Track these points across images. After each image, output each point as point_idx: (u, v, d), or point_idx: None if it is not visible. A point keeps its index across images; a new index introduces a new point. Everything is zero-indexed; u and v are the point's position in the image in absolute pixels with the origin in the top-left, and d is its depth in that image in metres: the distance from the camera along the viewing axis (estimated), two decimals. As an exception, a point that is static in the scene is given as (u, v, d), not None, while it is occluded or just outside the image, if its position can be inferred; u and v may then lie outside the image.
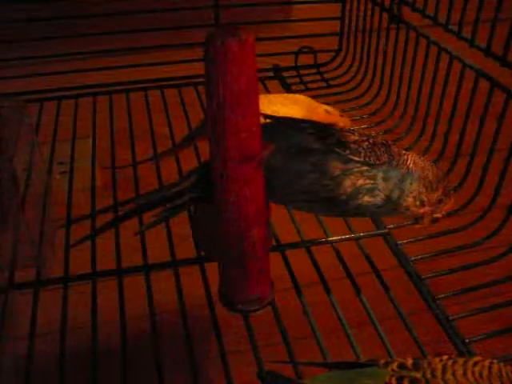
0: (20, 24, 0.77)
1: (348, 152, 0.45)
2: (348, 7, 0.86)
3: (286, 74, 0.87)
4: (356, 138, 0.46)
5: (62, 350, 0.46)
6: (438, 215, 0.48)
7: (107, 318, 0.54)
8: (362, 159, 0.45)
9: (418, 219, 0.49)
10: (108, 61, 0.81)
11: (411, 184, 0.47)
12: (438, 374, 0.35)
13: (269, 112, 0.59)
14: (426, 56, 0.66)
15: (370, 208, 0.47)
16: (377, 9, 0.77)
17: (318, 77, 0.88)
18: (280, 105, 0.63)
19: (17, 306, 0.51)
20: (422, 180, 0.47)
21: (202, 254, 0.54)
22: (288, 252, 0.55)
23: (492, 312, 0.50)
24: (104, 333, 0.53)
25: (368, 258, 0.55)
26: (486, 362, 0.36)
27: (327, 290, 0.52)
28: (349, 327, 0.47)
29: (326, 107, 0.65)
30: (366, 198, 0.46)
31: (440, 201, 0.48)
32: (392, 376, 0.36)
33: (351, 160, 0.45)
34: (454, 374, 0.35)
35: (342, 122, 0.64)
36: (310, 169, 0.45)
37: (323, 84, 0.86)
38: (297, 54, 0.88)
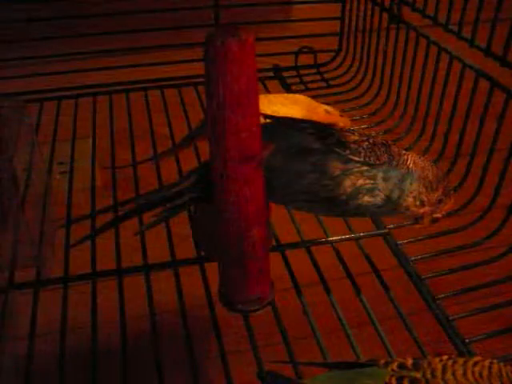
0: (20, 24, 0.77)
1: (348, 152, 0.45)
2: (348, 7, 0.86)
3: (286, 74, 0.87)
4: (356, 137, 0.46)
5: (62, 350, 0.46)
6: (438, 215, 0.48)
7: (107, 318, 0.54)
8: (361, 159, 0.45)
9: (418, 219, 0.49)
10: (108, 61, 0.81)
11: (411, 184, 0.47)
12: (438, 373, 0.35)
13: (269, 112, 0.59)
14: (426, 56, 0.66)
15: (369, 208, 0.47)
16: (377, 9, 0.77)
17: (318, 77, 0.88)
18: (280, 105, 0.63)
19: (17, 305, 0.51)
20: (422, 180, 0.47)
21: (202, 253, 0.54)
22: (288, 252, 0.55)
23: (492, 312, 0.50)
24: (104, 333, 0.53)
25: (368, 258, 0.55)
26: (486, 362, 0.36)
27: (327, 290, 0.52)
28: (349, 327, 0.47)
29: (326, 107, 0.65)
30: (366, 198, 0.46)
31: (440, 201, 0.48)
32: (392, 376, 0.36)
33: (351, 160, 0.45)
34: (454, 374, 0.35)
35: (342, 121, 0.64)
36: (310, 169, 0.45)
37: (323, 84, 0.86)
38: (297, 54, 0.88)
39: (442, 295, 0.51)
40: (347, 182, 0.45)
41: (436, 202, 0.48)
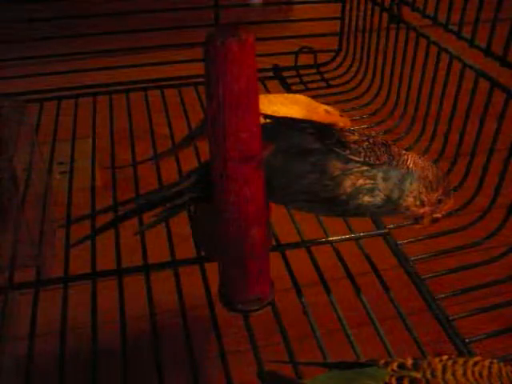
0: (20, 24, 0.77)
1: (348, 152, 0.45)
2: (348, 7, 0.86)
3: (286, 74, 0.87)
4: (356, 137, 0.46)
5: (62, 350, 0.46)
6: (438, 215, 0.48)
7: (107, 318, 0.54)
8: (361, 159, 0.45)
9: (418, 219, 0.49)
10: (108, 61, 0.81)
11: (411, 184, 0.47)
12: (438, 374, 0.35)
13: (269, 112, 0.59)
14: (426, 56, 0.66)
15: (370, 208, 0.47)
16: (377, 9, 0.77)
17: (317, 77, 0.88)
18: (280, 105, 0.63)
19: (17, 306, 0.51)
20: (422, 180, 0.47)
21: (202, 253, 0.54)
22: (288, 252, 0.55)
23: (492, 312, 0.50)
24: (104, 333, 0.52)
25: (368, 258, 0.55)
26: (486, 362, 0.36)
27: (327, 290, 0.52)
28: (349, 327, 0.47)
29: (326, 107, 0.65)
30: (366, 198, 0.46)
31: (440, 201, 0.48)
32: (392, 376, 0.36)
33: (351, 160, 0.45)
34: (454, 374, 0.35)
35: (342, 121, 0.64)
36: (310, 169, 0.45)
37: (323, 84, 0.86)
38: (297, 54, 0.88)
39: (442, 295, 0.51)
40: (347, 182, 0.45)
41: (436, 202, 0.48)
